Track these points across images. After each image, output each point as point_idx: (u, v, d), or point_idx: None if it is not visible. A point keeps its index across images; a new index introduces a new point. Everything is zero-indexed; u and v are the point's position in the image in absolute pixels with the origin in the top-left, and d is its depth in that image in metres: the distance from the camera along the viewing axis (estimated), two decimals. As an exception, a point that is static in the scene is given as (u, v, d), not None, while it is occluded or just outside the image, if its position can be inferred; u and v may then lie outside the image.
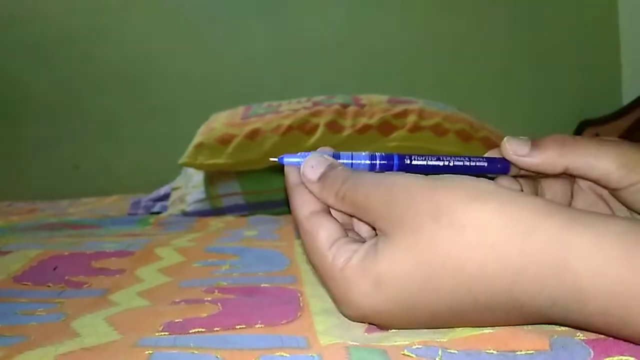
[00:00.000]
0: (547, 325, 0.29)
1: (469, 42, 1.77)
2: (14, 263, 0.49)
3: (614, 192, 0.31)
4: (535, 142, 0.31)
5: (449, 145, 0.96)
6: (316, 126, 0.96)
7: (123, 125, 1.67)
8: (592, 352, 0.24)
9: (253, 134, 0.95)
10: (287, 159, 0.33)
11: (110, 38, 1.66)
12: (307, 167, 0.32)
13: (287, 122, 0.96)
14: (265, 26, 1.67)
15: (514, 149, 0.31)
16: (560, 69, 1.81)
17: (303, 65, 1.67)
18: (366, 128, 0.97)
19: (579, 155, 0.30)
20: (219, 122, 1.01)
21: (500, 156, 0.33)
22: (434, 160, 0.33)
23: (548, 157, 0.31)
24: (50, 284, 0.43)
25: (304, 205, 0.32)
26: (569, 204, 0.35)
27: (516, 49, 1.80)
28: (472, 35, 1.77)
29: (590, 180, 0.33)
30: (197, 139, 0.97)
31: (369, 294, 0.27)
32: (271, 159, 0.33)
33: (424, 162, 0.33)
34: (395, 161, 0.33)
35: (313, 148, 0.92)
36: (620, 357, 0.23)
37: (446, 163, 0.33)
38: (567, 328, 0.28)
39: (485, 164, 0.34)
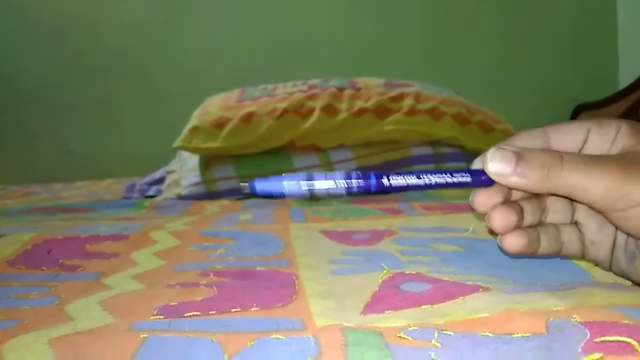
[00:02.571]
0: (544, 308, 0.29)
1: (467, 28, 1.76)
2: (8, 247, 0.49)
3: (601, 213, 0.30)
4: (519, 159, 0.29)
5: (446, 129, 0.96)
6: (312, 109, 0.96)
7: (118, 108, 1.66)
8: (588, 333, 0.24)
9: (248, 118, 0.94)
10: (260, 185, 0.32)
11: (105, 23, 1.64)
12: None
13: (282, 106, 0.96)
14: (264, 10, 1.65)
15: (496, 169, 0.30)
16: (556, 53, 1.81)
17: (301, 50, 1.66)
18: (362, 111, 0.96)
19: (563, 183, 0.29)
20: (214, 106, 1.01)
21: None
22: (414, 178, 0.32)
23: (531, 181, 0.29)
24: (44, 268, 0.43)
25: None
26: (572, 212, 0.35)
27: (514, 34, 1.79)
28: (470, 22, 1.76)
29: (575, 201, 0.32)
30: (191, 123, 0.97)
31: None
32: (242, 184, 0.32)
33: (404, 181, 0.32)
34: (373, 182, 0.32)
35: (309, 131, 0.93)
36: (618, 338, 0.22)
37: (427, 181, 0.32)
38: (563, 310, 0.28)
39: (469, 179, 0.32)
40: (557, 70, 1.81)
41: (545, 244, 0.33)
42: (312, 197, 0.32)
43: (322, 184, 0.31)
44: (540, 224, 0.34)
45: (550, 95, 1.80)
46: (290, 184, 0.31)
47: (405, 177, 0.32)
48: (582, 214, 0.34)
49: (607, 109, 1.66)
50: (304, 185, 0.31)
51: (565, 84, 1.81)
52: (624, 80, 1.74)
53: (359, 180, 0.32)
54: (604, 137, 0.31)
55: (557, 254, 0.34)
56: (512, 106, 1.64)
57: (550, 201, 0.35)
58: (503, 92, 1.74)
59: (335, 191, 0.32)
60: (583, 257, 0.34)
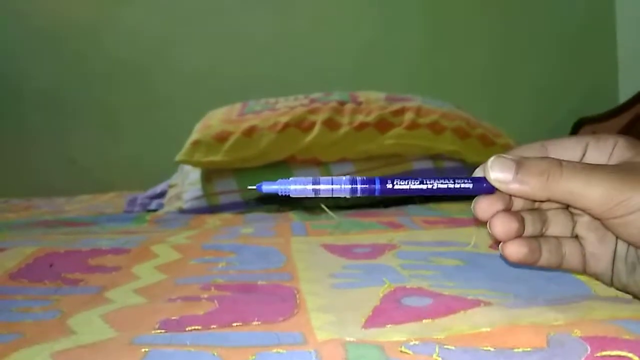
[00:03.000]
0: (545, 322, 0.29)
1: (468, 38, 1.77)
2: (10, 260, 0.49)
3: (599, 221, 0.31)
4: (519, 167, 0.30)
5: (446, 142, 0.96)
6: (313, 123, 0.96)
7: (119, 116, 1.66)
8: (589, 348, 0.24)
9: (250, 131, 0.95)
10: (266, 187, 0.32)
11: (106, 31, 1.66)
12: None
13: (284, 120, 0.96)
14: (265, 19, 1.67)
15: (497, 176, 0.31)
16: (557, 67, 1.82)
17: (302, 59, 1.67)
18: (363, 125, 0.96)
19: (562, 189, 0.29)
20: (216, 119, 1.01)
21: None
22: (417, 184, 0.32)
23: (530, 188, 0.30)
24: (46, 281, 0.43)
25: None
26: (573, 225, 0.35)
27: (514, 48, 1.80)
28: (470, 32, 1.77)
29: (574, 208, 0.33)
30: (193, 137, 0.97)
31: None
32: (249, 187, 0.33)
33: (407, 186, 0.32)
34: (377, 185, 0.33)
35: (310, 145, 0.93)
36: (619, 353, 0.22)
37: (429, 186, 0.32)
38: (564, 324, 0.28)
39: (471, 186, 0.33)
40: (557, 84, 1.82)
41: (546, 255, 0.33)
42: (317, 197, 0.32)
43: (328, 187, 0.32)
44: (541, 235, 0.34)
45: (550, 108, 1.81)
46: (297, 187, 0.32)
47: (409, 182, 0.33)
48: (582, 228, 0.34)
49: (607, 123, 1.67)
50: (309, 189, 0.32)
51: (565, 98, 1.82)
52: (624, 94, 1.75)
53: (363, 185, 0.32)
54: (602, 150, 0.32)
55: (558, 267, 0.34)
56: (511, 119, 1.65)
57: (551, 214, 0.35)
58: (502, 104, 1.75)
59: (340, 193, 0.32)
60: (584, 271, 0.34)
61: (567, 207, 0.35)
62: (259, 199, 0.93)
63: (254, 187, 0.33)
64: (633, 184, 0.28)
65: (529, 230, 0.34)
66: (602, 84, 1.86)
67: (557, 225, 0.35)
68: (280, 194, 0.32)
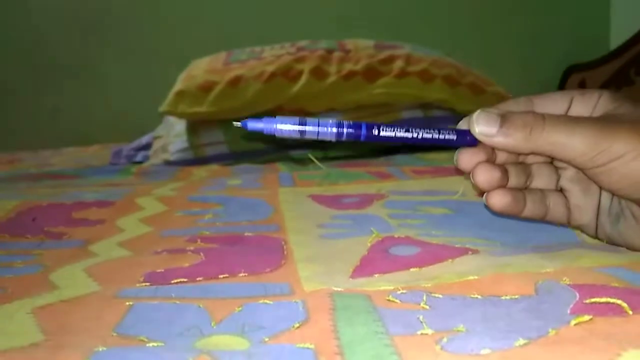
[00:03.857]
0: (533, 270, 0.29)
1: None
2: (-9, 215, 0.48)
3: (582, 171, 0.31)
4: (503, 121, 0.31)
5: (436, 91, 0.95)
6: (300, 73, 0.94)
7: (106, 70, 1.62)
8: (577, 295, 0.24)
9: (235, 81, 0.92)
10: (252, 124, 0.31)
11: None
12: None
13: (270, 69, 0.94)
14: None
15: (481, 129, 0.31)
16: (548, 13, 1.78)
17: (287, 7, 1.62)
18: (351, 74, 0.94)
19: (545, 141, 0.30)
20: (200, 69, 0.98)
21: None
22: (403, 132, 0.33)
23: (514, 140, 0.30)
24: (29, 236, 0.42)
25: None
26: (557, 179, 0.35)
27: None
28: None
29: (557, 160, 0.33)
30: (177, 87, 0.95)
31: None
32: (234, 124, 0.32)
33: (392, 133, 0.32)
34: (363, 131, 0.32)
35: (297, 95, 0.91)
36: (607, 300, 0.22)
37: (415, 135, 0.33)
38: (552, 272, 0.28)
39: (455, 137, 0.33)
40: (548, 31, 1.79)
41: (530, 206, 0.33)
42: (302, 139, 0.32)
43: (314, 129, 0.31)
44: (525, 188, 0.35)
45: (540, 55, 1.79)
46: (283, 127, 0.31)
47: (395, 129, 0.32)
48: (566, 181, 0.35)
49: (598, 70, 1.65)
50: (296, 129, 0.31)
51: (556, 44, 1.79)
52: (615, 41, 1.73)
53: (349, 129, 0.32)
54: (586, 103, 0.33)
55: (543, 218, 0.34)
56: (500, 67, 1.62)
57: (535, 168, 0.35)
58: (491, 52, 1.72)
59: (326, 136, 0.32)
60: (568, 223, 0.35)
61: (551, 161, 0.35)
62: (244, 151, 0.91)
63: (239, 124, 0.32)
64: (613, 133, 0.28)
65: (513, 182, 0.34)
66: (593, 30, 1.83)
67: (541, 178, 0.35)
68: (265, 132, 0.32)
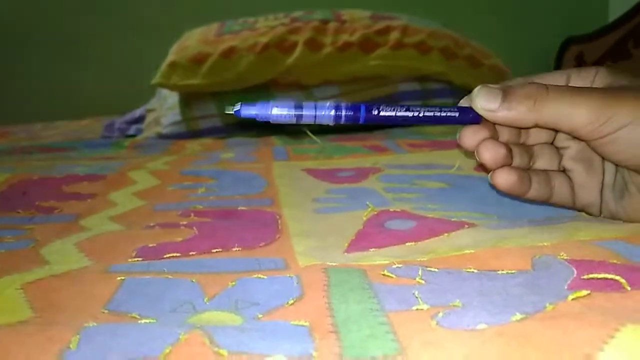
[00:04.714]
0: (530, 244, 0.28)
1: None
2: (-19, 189, 0.47)
3: (587, 143, 0.31)
4: (506, 95, 0.30)
5: (433, 63, 0.93)
6: (295, 44, 0.92)
7: (94, 44, 1.59)
8: (575, 271, 0.24)
9: (228, 53, 0.91)
10: (245, 111, 0.30)
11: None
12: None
13: (264, 40, 0.92)
14: None
15: (483, 104, 0.30)
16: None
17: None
18: (347, 46, 0.93)
19: (549, 111, 0.29)
20: (192, 40, 0.96)
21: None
22: (403, 111, 0.32)
23: (518, 113, 0.30)
24: (20, 210, 0.42)
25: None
26: (559, 160, 0.35)
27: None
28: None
29: (562, 132, 0.33)
30: (169, 58, 0.93)
31: None
32: (226, 112, 0.30)
33: (393, 113, 0.31)
34: (362, 112, 0.31)
35: (292, 67, 0.90)
36: (605, 275, 0.22)
37: (415, 114, 0.32)
38: (550, 245, 0.28)
39: (457, 114, 0.32)
40: (546, 2, 1.76)
41: (535, 186, 0.33)
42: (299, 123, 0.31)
43: (311, 113, 0.30)
44: (529, 168, 0.34)
45: (538, 28, 1.76)
46: (278, 112, 0.30)
47: (395, 109, 0.31)
48: (569, 160, 0.34)
49: (596, 42, 1.63)
50: (292, 115, 0.30)
51: (554, 16, 1.77)
52: (614, 13, 1.71)
53: (348, 112, 0.31)
54: (583, 79, 0.32)
55: (548, 200, 0.34)
56: (497, 39, 1.60)
57: (537, 149, 0.35)
58: (487, 24, 1.70)
59: (323, 120, 0.31)
60: (574, 204, 0.34)
61: (552, 142, 0.35)
62: (238, 123, 0.90)
63: (232, 112, 0.30)
64: (617, 102, 0.28)
65: (517, 161, 0.34)
66: (591, 2, 1.81)
67: (544, 159, 0.35)
68: (259, 119, 0.30)
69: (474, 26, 1.44)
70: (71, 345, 0.19)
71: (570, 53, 1.71)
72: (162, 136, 0.90)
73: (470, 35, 1.07)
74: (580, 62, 1.66)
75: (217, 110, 0.91)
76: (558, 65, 1.72)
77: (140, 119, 1.06)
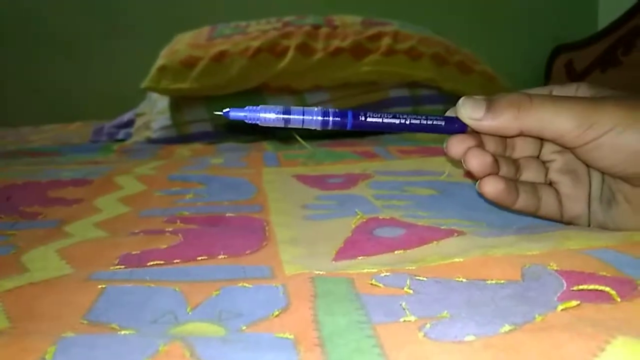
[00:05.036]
0: (519, 253, 0.28)
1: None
2: (-36, 193, 0.46)
3: (572, 150, 0.31)
4: (490, 104, 0.30)
5: (424, 70, 0.93)
6: (286, 49, 0.92)
7: (84, 47, 1.58)
8: (564, 283, 0.23)
9: (219, 57, 0.90)
10: (234, 114, 0.30)
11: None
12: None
13: (255, 44, 0.92)
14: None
15: (469, 113, 0.31)
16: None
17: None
18: (338, 51, 0.93)
19: (533, 118, 0.29)
20: (183, 44, 0.96)
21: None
22: (390, 118, 0.32)
23: (503, 121, 0.30)
24: (2, 216, 0.41)
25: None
26: (545, 173, 0.35)
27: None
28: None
29: (546, 140, 0.33)
30: (159, 62, 0.92)
31: None
32: (216, 113, 0.31)
33: (379, 120, 0.32)
34: (350, 118, 0.31)
35: (283, 72, 0.89)
36: (596, 287, 0.22)
37: (402, 121, 0.32)
38: (539, 254, 0.27)
39: (443, 123, 0.33)
40: (535, 10, 1.77)
41: (523, 196, 0.33)
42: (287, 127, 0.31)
43: (299, 118, 0.30)
44: (516, 180, 0.34)
45: (527, 35, 1.77)
46: (266, 116, 0.30)
47: (382, 116, 0.31)
48: (555, 173, 0.34)
49: (585, 50, 1.64)
50: (280, 119, 0.30)
51: (543, 24, 1.78)
52: (603, 21, 1.72)
53: (336, 117, 0.31)
54: (566, 93, 0.33)
55: (535, 212, 0.34)
56: (486, 46, 1.61)
57: (523, 161, 0.35)
58: (477, 31, 1.70)
59: (311, 124, 0.31)
60: (561, 217, 0.34)
61: (537, 156, 0.35)
62: (229, 127, 0.90)
63: (221, 114, 0.30)
64: (599, 108, 0.29)
65: (504, 171, 0.34)
66: (581, 10, 1.82)
67: (530, 171, 0.35)
68: (248, 122, 0.30)
69: (464, 33, 1.45)
70: (47, 357, 0.19)
71: (559, 61, 1.71)
72: (152, 141, 0.90)
73: (460, 42, 1.07)
74: (570, 70, 1.67)
75: (208, 114, 0.90)
76: (548, 73, 1.73)
77: (129, 123, 1.06)
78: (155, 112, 0.95)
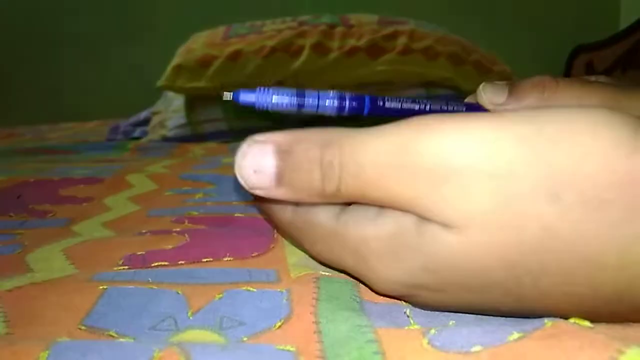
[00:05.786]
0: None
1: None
2: (-24, 190, 0.47)
3: None
4: (513, 88, 0.29)
5: (440, 69, 0.92)
6: (302, 48, 0.92)
7: (103, 46, 1.60)
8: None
9: (235, 56, 0.90)
10: (244, 96, 0.26)
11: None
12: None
13: (270, 44, 0.91)
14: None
15: (490, 98, 0.29)
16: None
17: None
18: (354, 50, 0.92)
19: (560, 100, 0.28)
20: (199, 43, 0.96)
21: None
22: (409, 103, 0.30)
23: (528, 104, 0.28)
24: (12, 214, 0.41)
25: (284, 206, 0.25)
26: None
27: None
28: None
29: None
30: (175, 61, 0.93)
31: None
32: (225, 94, 0.28)
33: (398, 105, 0.30)
34: (367, 103, 0.30)
35: (298, 71, 0.89)
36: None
37: (422, 107, 0.30)
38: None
39: (464, 109, 0.31)
40: (555, 10, 1.74)
41: None
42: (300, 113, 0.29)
43: (313, 102, 0.29)
44: None
45: (547, 36, 1.74)
46: (278, 100, 0.28)
47: (401, 101, 0.30)
48: None
49: (606, 51, 1.61)
50: (293, 101, 0.28)
51: (563, 24, 1.75)
52: (625, 21, 1.68)
53: (353, 102, 0.29)
54: None
55: None
56: (505, 46, 1.59)
57: None
58: (496, 31, 1.68)
59: (326, 110, 0.29)
60: None
61: None
62: (242, 129, 0.89)
63: (229, 97, 0.28)
64: (628, 94, 0.27)
65: None
66: (602, 10, 1.79)
67: None
68: (257, 106, 0.28)
69: (483, 33, 1.43)
70: (40, 361, 0.18)
71: (579, 61, 1.68)
72: (166, 139, 0.90)
73: (478, 42, 1.06)
74: (590, 70, 1.64)
75: (223, 114, 0.90)
76: (567, 73, 1.70)
77: (145, 122, 1.06)
78: (170, 111, 0.95)
